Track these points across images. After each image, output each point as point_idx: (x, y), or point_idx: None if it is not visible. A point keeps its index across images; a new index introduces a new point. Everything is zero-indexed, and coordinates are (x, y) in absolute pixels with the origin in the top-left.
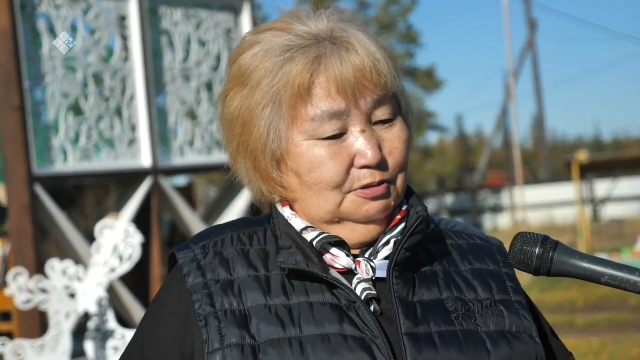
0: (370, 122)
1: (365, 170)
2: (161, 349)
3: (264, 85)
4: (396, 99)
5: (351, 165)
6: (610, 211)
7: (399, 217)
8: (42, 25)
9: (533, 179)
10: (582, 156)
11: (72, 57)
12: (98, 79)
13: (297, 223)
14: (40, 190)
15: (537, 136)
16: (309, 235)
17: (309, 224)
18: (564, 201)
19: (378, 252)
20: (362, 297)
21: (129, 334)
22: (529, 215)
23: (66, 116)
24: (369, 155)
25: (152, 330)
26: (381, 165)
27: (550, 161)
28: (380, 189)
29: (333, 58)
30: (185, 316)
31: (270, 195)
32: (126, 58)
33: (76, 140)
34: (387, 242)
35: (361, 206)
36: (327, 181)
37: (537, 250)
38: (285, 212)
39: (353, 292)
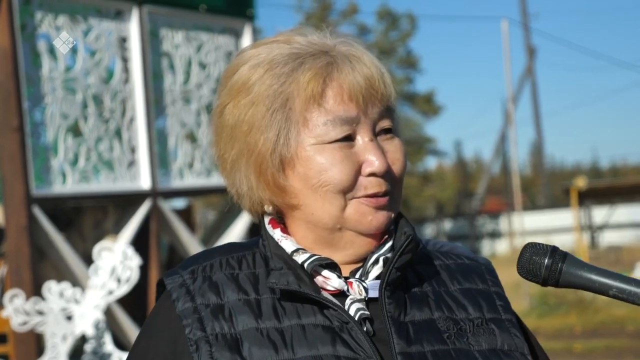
0: (375, 133)
1: (372, 178)
2: None
3: (272, 91)
4: (394, 115)
5: (358, 172)
6: (608, 238)
7: (386, 235)
8: (42, 46)
9: (531, 205)
10: (581, 183)
11: (71, 78)
12: (98, 101)
13: (288, 245)
14: (38, 212)
15: (535, 162)
16: (299, 257)
17: (300, 246)
18: (562, 227)
19: (368, 272)
20: (356, 317)
21: (126, 357)
22: (527, 241)
23: (65, 137)
24: (377, 163)
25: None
26: (386, 174)
27: (548, 187)
28: (384, 200)
29: (344, 65)
30: (173, 343)
31: (268, 205)
32: (126, 80)
33: (75, 161)
34: (376, 261)
35: (366, 216)
36: (336, 183)
37: (546, 261)
38: (276, 234)
39: (346, 312)
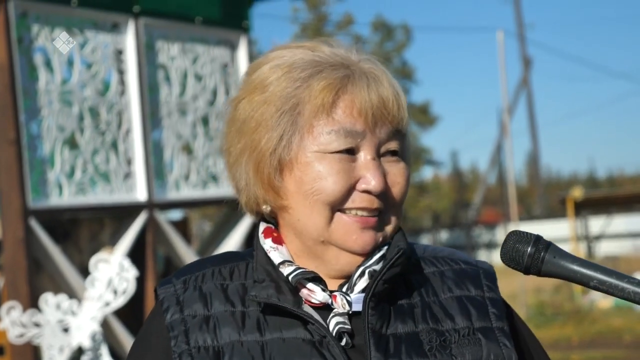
0: (379, 153)
1: (364, 195)
2: None
3: (285, 93)
4: (403, 140)
5: (353, 187)
6: (605, 248)
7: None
8: (38, 59)
9: (527, 215)
10: (577, 193)
11: (68, 90)
12: (94, 113)
13: (276, 257)
14: (34, 224)
15: (531, 173)
16: (285, 270)
17: (287, 259)
18: (559, 237)
19: (354, 285)
20: (334, 332)
21: None
22: None
23: (62, 150)
24: (373, 182)
25: None
26: (381, 194)
27: (544, 198)
28: (373, 220)
29: (361, 81)
30: (165, 353)
31: (262, 204)
32: (122, 92)
33: (71, 173)
34: (362, 274)
35: (350, 234)
36: (328, 193)
37: (529, 249)
38: (267, 244)
39: (323, 326)
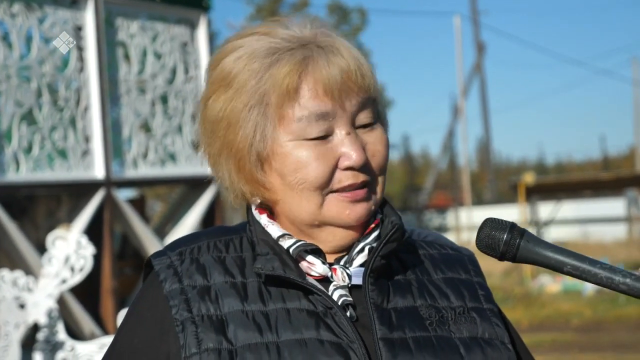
0: (353, 125)
1: (348, 172)
2: (138, 357)
3: (249, 87)
4: (376, 104)
5: (335, 166)
6: (553, 233)
7: (372, 225)
8: None
9: (477, 200)
10: (529, 178)
11: (26, 66)
12: (52, 89)
13: (274, 230)
14: None
15: (482, 158)
16: (285, 243)
17: (286, 232)
18: None
19: (353, 259)
20: (339, 303)
21: (79, 346)
22: (474, 236)
23: (19, 125)
24: (354, 156)
25: (128, 339)
26: (364, 167)
27: (494, 183)
28: (362, 192)
29: (320, 59)
30: (160, 323)
31: (251, 198)
32: (81, 69)
33: (29, 150)
34: (362, 250)
35: (343, 210)
36: (312, 181)
37: (504, 236)
38: (262, 219)
39: (330, 297)
